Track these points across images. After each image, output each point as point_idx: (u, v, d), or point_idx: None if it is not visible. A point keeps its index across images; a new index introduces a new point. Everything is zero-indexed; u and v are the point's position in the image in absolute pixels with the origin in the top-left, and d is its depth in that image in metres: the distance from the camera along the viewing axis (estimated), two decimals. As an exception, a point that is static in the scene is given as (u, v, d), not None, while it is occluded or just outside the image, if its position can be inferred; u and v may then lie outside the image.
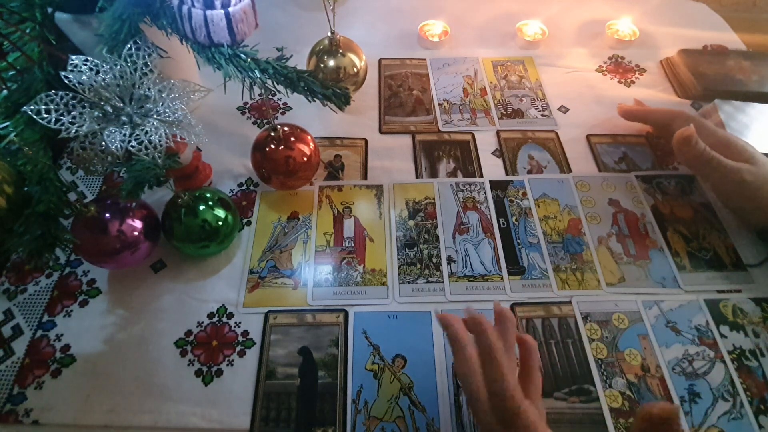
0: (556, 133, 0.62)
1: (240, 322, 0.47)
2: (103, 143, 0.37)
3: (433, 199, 0.56)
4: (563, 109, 0.65)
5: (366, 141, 0.61)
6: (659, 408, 0.32)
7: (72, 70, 0.38)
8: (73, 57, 0.38)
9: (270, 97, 0.62)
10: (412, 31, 0.74)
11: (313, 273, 0.50)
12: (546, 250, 0.52)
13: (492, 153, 0.61)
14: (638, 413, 0.33)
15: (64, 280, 0.49)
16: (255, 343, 0.46)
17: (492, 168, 0.59)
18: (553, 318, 0.47)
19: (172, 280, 0.49)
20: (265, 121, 0.63)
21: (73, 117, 0.37)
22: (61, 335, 0.46)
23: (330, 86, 0.48)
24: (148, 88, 0.40)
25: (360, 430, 0.41)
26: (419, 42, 0.74)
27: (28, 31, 0.44)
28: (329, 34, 0.57)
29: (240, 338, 0.46)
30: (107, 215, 0.44)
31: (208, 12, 0.40)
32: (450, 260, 0.51)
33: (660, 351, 0.45)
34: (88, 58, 0.38)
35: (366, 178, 0.58)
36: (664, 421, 0.32)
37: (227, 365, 0.45)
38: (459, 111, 0.65)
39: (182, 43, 0.44)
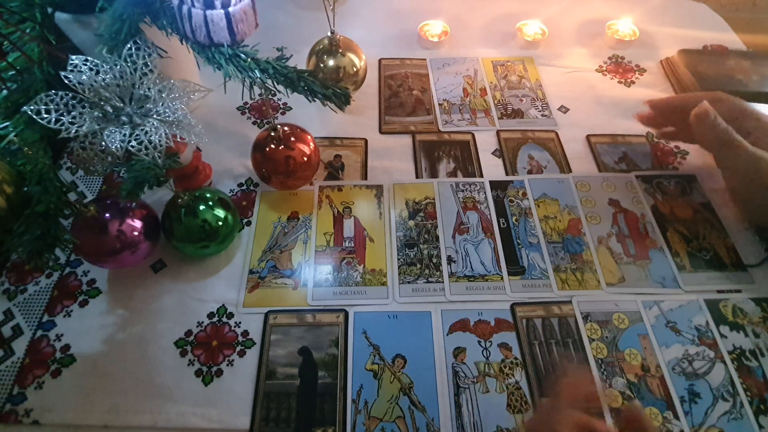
0: (556, 133, 0.62)
1: (240, 322, 0.47)
2: (103, 143, 0.37)
3: (433, 199, 0.56)
4: (563, 109, 0.65)
5: (366, 141, 0.61)
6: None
7: (72, 70, 0.38)
8: (73, 57, 0.38)
9: (270, 97, 0.62)
10: (412, 31, 0.74)
11: (313, 273, 0.50)
12: (546, 250, 0.52)
13: (492, 153, 0.61)
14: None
15: (64, 280, 0.49)
16: (255, 343, 0.46)
17: (492, 168, 0.59)
18: (554, 318, 0.47)
19: (172, 280, 0.49)
20: (265, 121, 0.63)
21: (73, 117, 0.37)
22: (61, 335, 0.46)
23: (330, 86, 0.48)
24: (148, 88, 0.40)
25: (360, 430, 0.41)
26: (419, 42, 0.74)
27: (28, 31, 0.44)
28: (329, 34, 0.57)
29: (240, 338, 0.46)
30: (107, 215, 0.44)
31: (208, 12, 0.40)
32: (450, 260, 0.51)
33: (660, 351, 0.45)
34: (88, 58, 0.38)
35: (366, 178, 0.58)
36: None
37: (227, 365, 0.45)
38: (459, 111, 0.65)
39: (182, 43, 0.44)
